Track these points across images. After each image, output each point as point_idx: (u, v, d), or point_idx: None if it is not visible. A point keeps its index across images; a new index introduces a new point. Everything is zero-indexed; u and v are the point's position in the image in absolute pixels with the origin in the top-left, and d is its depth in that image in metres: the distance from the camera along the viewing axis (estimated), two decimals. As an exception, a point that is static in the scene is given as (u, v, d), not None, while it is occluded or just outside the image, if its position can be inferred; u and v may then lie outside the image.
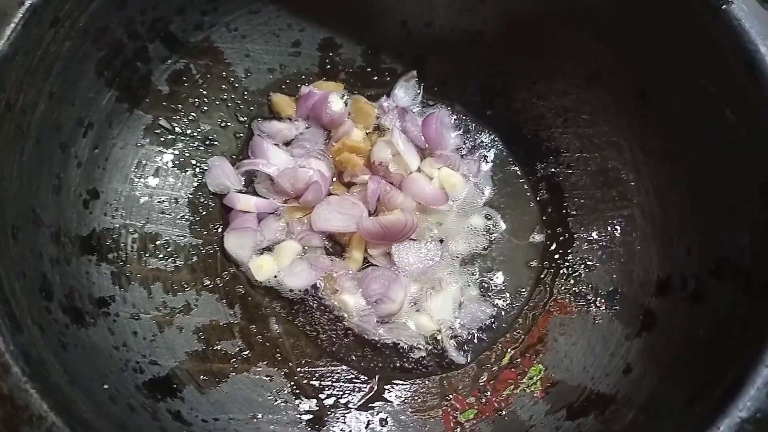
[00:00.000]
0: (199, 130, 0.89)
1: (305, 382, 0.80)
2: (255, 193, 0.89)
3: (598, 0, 0.75)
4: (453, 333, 0.83)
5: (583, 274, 0.83)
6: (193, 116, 0.88)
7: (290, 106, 0.93)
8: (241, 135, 0.92)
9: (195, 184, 0.88)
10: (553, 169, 0.90)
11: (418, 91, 0.96)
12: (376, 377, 0.81)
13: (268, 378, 0.79)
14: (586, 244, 0.85)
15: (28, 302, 0.60)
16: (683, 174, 0.72)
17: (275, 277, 0.84)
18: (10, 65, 0.62)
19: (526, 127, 0.92)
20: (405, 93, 0.95)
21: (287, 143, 0.93)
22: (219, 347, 0.79)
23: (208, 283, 0.83)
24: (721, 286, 0.63)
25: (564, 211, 0.88)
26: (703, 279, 0.66)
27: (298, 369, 0.80)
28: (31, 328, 0.58)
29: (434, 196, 0.87)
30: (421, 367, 0.82)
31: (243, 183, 0.89)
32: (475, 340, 0.83)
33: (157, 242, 0.82)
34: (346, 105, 0.93)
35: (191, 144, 0.88)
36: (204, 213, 0.87)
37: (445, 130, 0.93)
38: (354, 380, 0.81)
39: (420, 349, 0.82)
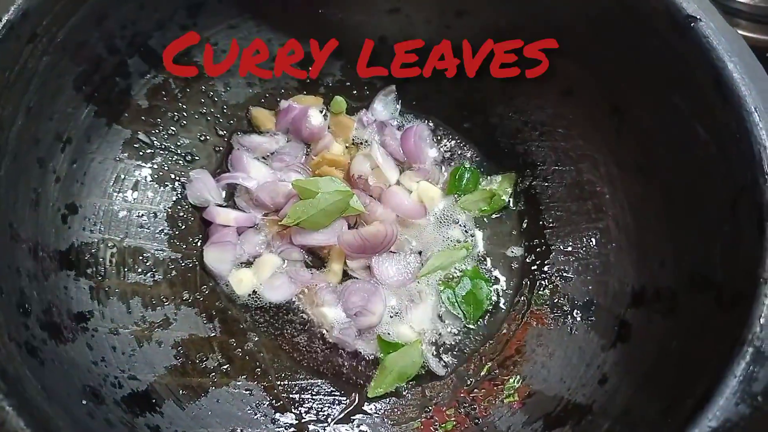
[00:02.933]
0: (178, 144, 0.89)
1: (285, 395, 0.80)
2: (235, 207, 0.89)
3: (569, 20, 0.76)
4: (432, 344, 0.84)
5: (559, 286, 0.84)
6: (173, 130, 0.88)
7: (270, 120, 0.94)
8: (221, 149, 0.92)
9: (174, 198, 0.87)
10: (529, 182, 0.91)
11: (397, 105, 0.96)
12: (356, 390, 0.81)
13: (247, 392, 0.79)
14: (562, 255, 0.86)
15: (6, 318, 0.60)
16: (657, 188, 0.73)
17: (255, 291, 0.85)
18: (-13, 81, 0.62)
19: (504, 140, 0.93)
20: (384, 107, 0.96)
21: (267, 157, 0.93)
22: (198, 361, 0.79)
23: (187, 297, 0.83)
24: (693, 298, 0.64)
25: (541, 223, 0.89)
26: (677, 291, 0.67)
27: (278, 383, 0.80)
28: (8, 344, 0.58)
29: (413, 209, 0.88)
30: (400, 379, 0.83)
31: (223, 196, 0.90)
32: (454, 352, 0.84)
33: (136, 257, 0.82)
34: (326, 119, 0.94)
35: (170, 158, 0.88)
36: (183, 227, 0.87)
37: (424, 143, 0.94)
38: (333, 393, 0.81)
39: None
